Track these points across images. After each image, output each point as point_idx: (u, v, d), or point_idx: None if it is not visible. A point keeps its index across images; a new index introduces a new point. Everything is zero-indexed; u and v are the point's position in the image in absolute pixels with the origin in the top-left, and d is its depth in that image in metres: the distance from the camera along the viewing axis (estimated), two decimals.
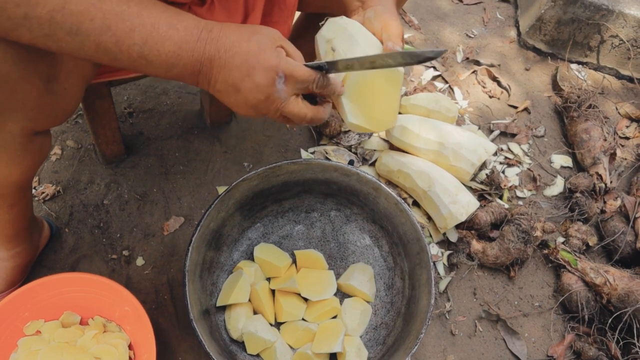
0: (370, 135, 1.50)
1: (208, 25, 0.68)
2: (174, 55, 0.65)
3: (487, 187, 1.45)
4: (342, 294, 1.18)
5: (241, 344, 1.08)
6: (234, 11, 0.96)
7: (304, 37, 1.34)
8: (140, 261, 1.21)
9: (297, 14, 1.24)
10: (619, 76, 1.90)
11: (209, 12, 0.96)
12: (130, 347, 1.03)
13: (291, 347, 1.09)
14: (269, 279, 1.15)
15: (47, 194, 1.26)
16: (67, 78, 0.75)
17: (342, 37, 0.78)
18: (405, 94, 1.61)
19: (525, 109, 1.73)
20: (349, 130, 1.49)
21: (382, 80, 0.79)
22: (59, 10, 0.57)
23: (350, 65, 0.75)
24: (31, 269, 1.14)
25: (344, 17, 0.81)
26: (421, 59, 0.73)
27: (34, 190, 1.27)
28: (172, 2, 0.91)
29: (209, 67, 0.68)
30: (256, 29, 0.71)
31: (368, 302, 1.16)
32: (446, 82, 1.75)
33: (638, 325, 1.19)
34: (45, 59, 0.68)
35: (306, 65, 0.73)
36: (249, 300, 1.11)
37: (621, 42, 1.80)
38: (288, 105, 0.72)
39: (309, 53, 1.45)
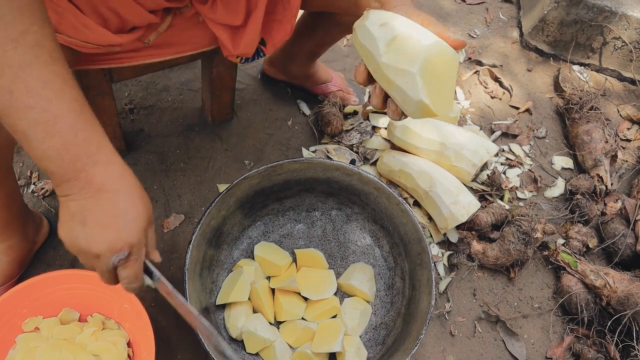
0: (372, 134, 1.50)
1: (112, 153, 0.63)
2: (57, 152, 0.59)
3: (488, 188, 1.44)
4: (342, 294, 1.17)
5: (240, 343, 1.08)
6: (236, 9, 0.95)
7: (306, 36, 1.33)
8: None
9: (300, 12, 1.23)
10: (621, 78, 1.89)
11: (212, 9, 0.95)
12: (129, 344, 1.02)
13: (290, 347, 1.09)
14: (269, 278, 1.15)
15: (47, 190, 1.26)
16: None
17: (396, 20, 0.73)
18: None
19: (527, 110, 1.73)
20: (351, 129, 1.49)
21: (444, 63, 0.74)
22: None
23: None
24: (30, 266, 1.14)
25: (372, 14, 0.76)
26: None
27: (33, 187, 1.27)
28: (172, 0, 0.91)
29: (80, 186, 0.61)
30: (147, 199, 0.67)
31: (368, 302, 1.15)
32: None
33: (637, 328, 1.18)
34: None
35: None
36: (249, 299, 1.10)
37: (624, 44, 1.80)
38: (130, 265, 0.66)
39: (308, 53, 1.45)
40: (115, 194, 0.63)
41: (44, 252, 1.18)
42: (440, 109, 0.74)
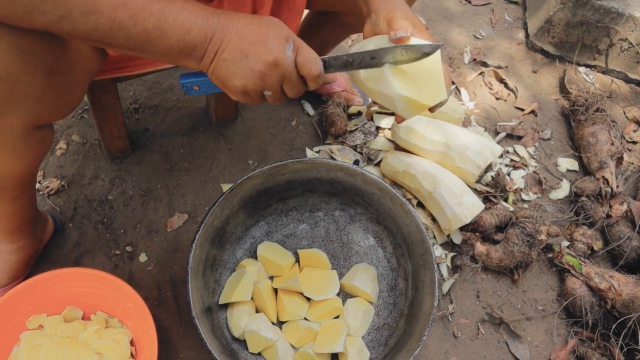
0: (376, 135, 1.49)
1: (221, 3, 0.70)
2: (189, 22, 0.66)
3: (492, 190, 1.44)
4: (344, 294, 1.17)
5: (243, 343, 1.08)
6: (241, 7, 0.96)
7: (311, 36, 1.34)
8: (143, 257, 1.21)
9: (305, 12, 1.24)
10: (628, 80, 1.89)
11: (218, 6, 0.95)
12: (132, 343, 1.03)
13: (293, 347, 1.09)
14: (271, 278, 1.15)
15: (52, 189, 1.27)
16: (70, 72, 0.75)
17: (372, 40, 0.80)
18: None
19: (532, 112, 1.72)
20: (355, 130, 1.49)
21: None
22: None
23: (351, 61, 0.76)
24: (35, 263, 1.15)
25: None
26: (419, 54, 0.74)
27: (38, 185, 1.27)
28: None
29: (221, 35, 0.68)
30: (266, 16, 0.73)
31: (371, 302, 1.15)
32: (453, 83, 1.74)
33: None
34: (48, 51, 0.68)
35: None
36: (252, 298, 1.11)
37: (630, 45, 1.79)
38: (303, 48, 0.73)
39: (316, 52, 1.45)
40: (246, 19, 0.70)
41: (48, 251, 1.18)
42: (429, 99, 0.77)
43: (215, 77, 0.73)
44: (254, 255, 1.17)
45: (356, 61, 0.76)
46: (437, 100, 0.79)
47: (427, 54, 0.75)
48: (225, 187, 1.34)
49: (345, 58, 0.76)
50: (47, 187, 1.27)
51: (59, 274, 1.00)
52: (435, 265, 1.02)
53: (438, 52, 0.77)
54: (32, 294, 0.99)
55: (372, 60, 0.75)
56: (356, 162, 1.29)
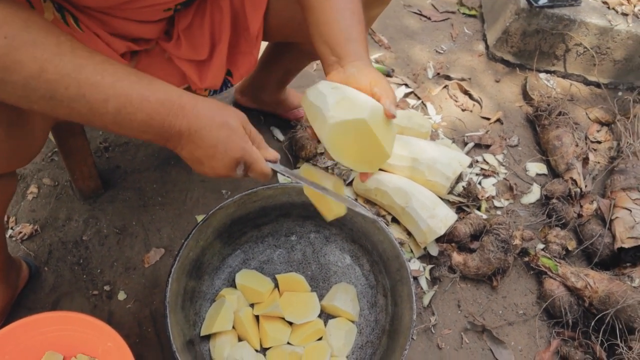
0: None
1: (181, 99, 0.69)
2: (146, 124, 0.67)
3: (464, 199, 1.46)
4: (326, 315, 1.18)
5: None
6: (200, 45, 0.97)
7: (273, 65, 1.36)
8: (122, 295, 1.20)
9: (265, 44, 1.26)
10: (587, 82, 1.95)
11: (176, 46, 0.97)
12: None
13: None
14: (252, 305, 1.15)
15: (25, 234, 1.26)
16: (29, 122, 0.75)
17: (328, 96, 0.77)
18: None
19: (498, 120, 1.76)
20: (324, 152, 1.51)
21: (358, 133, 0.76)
22: (35, 78, 0.58)
23: (302, 182, 0.85)
24: (11, 310, 1.13)
25: (324, 81, 0.81)
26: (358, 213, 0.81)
27: (11, 231, 1.26)
28: (139, 39, 0.93)
29: (178, 139, 0.71)
30: (226, 110, 0.73)
31: (352, 321, 1.16)
32: (419, 98, 1.78)
33: (620, 326, 1.20)
34: (7, 104, 0.68)
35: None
36: (233, 327, 1.10)
37: (585, 49, 1.85)
38: (255, 167, 0.77)
39: (277, 81, 1.47)
40: (202, 129, 0.71)
41: (24, 296, 1.17)
42: (367, 166, 0.81)
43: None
44: (232, 285, 1.17)
45: (310, 185, 0.85)
46: (376, 168, 0.83)
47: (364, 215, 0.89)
48: (200, 219, 1.34)
49: (299, 177, 0.86)
50: (20, 232, 1.26)
51: (36, 320, 0.99)
52: (412, 279, 1.03)
53: (389, 125, 0.78)
54: (10, 341, 0.98)
55: (322, 191, 0.85)
56: None
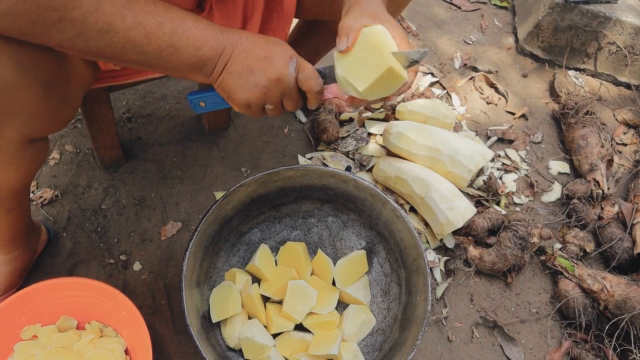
0: (368, 141, 1.50)
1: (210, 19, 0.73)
2: (201, 39, 0.71)
3: (484, 194, 1.45)
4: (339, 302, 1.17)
5: (237, 352, 1.08)
6: (232, 17, 0.96)
7: (302, 44, 1.34)
8: (137, 266, 1.21)
9: (295, 21, 1.24)
10: (616, 83, 1.91)
11: (208, 17, 0.96)
12: (126, 352, 1.03)
13: (286, 359, 1.08)
14: (258, 283, 1.14)
15: (45, 199, 1.27)
16: (66, 85, 0.76)
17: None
18: (403, 100, 1.62)
19: (523, 116, 1.73)
20: (347, 136, 1.50)
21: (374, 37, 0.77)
22: (93, 12, 0.61)
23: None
24: (28, 274, 1.14)
25: None
26: (407, 63, 0.76)
27: (32, 195, 1.27)
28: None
29: (230, 50, 0.73)
30: (272, 37, 0.78)
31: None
32: (444, 88, 1.75)
33: (635, 332, 1.18)
34: (46, 66, 0.69)
35: None
36: (242, 307, 1.10)
37: (618, 49, 1.81)
38: (305, 66, 0.78)
39: (307, 60, 1.46)
40: (255, 37, 0.75)
41: (42, 261, 1.18)
42: (367, 77, 0.77)
43: (221, 89, 0.77)
44: (247, 263, 1.17)
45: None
46: (376, 75, 0.77)
47: (415, 61, 0.76)
48: (219, 195, 1.34)
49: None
50: (41, 197, 1.27)
51: (52, 284, 1.00)
52: (428, 270, 1.03)
53: (379, 31, 0.78)
54: (26, 304, 0.99)
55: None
56: (348, 169, 1.29)
